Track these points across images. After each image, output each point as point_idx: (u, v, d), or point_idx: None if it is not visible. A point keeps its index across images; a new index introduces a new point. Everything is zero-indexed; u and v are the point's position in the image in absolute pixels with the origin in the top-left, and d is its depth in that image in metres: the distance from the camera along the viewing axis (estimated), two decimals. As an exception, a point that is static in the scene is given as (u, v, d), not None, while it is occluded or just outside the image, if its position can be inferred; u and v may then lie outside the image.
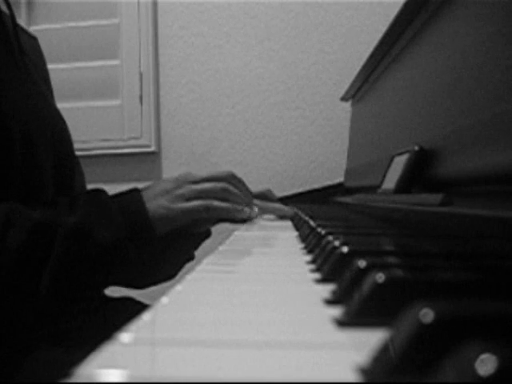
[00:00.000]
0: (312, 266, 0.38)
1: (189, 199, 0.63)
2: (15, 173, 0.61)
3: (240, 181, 0.70)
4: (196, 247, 0.74)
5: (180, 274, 0.74)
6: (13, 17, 0.71)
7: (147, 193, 0.62)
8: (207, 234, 0.73)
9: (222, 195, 0.65)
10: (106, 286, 0.64)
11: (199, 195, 0.64)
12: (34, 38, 0.84)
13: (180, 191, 0.63)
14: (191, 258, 0.74)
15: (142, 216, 0.59)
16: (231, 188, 0.66)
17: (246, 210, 0.68)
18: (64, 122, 0.78)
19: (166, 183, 0.64)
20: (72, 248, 0.54)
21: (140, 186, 0.65)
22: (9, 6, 0.71)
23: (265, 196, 0.82)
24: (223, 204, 0.64)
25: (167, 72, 1.67)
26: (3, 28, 0.68)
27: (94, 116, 1.68)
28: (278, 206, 0.82)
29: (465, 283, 0.22)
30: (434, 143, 0.56)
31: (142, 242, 0.59)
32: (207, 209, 0.63)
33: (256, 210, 0.74)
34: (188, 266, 0.74)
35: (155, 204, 0.61)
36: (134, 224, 0.58)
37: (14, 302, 0.53)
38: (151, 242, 0.60)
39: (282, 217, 0.79)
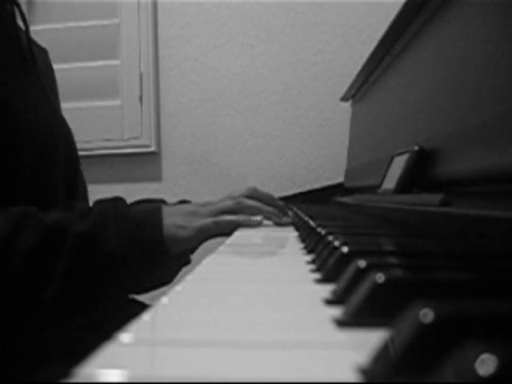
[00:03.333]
0: (312, 266, 0.38)
1: (203, 218, 0.65)
2: (25, 179, 0.62)
3: (261, 193, 0.72)
4: (192, 251, 0.74)
5: (180, 273, 0.74)
6: (28, 31, 0.73)
7: (168, 210, 0.64)
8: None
9: (235, 211, 0.67)
10: (112, 296, 0.63)
11: (213, 214, 0.66)
12: (44, 51, 0.86)
13: (197, 213, 0.65)
14: (187, 262, 0.75)
15: (156, 232, 0.60)
16: (245, 201, 0.69)
17: (258, 219, 0.70)
18: (71, 133, 0.80)
19: (189, 206, 0.67)
20: (79, 256, 0.55)
21: (140, 186, 0.66)
22: (24, 20, 0.73)
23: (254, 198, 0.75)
24: (233, 217, 0.66)
25: (167, 72, 1.67)
26: (18, 42, 0.71)
27: (94, 116, 1.68)
28: (272, 210, 0.74)
29: (465, 283, 0.22)
30: (434, 143, 0.56)
31: (153, 258, 0.59)
32: (216, 223, 0.65)
33: (289, 218, 0.77)
34: (188, 265, 0.74)
35: (171, 222, 0.62)
36: (147, 239, 0.59)
37: (18, 304, 0.53)
38: (163, 259, 0.61)
39: (278, 224, 0.74)
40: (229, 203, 0.67)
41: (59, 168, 0.69)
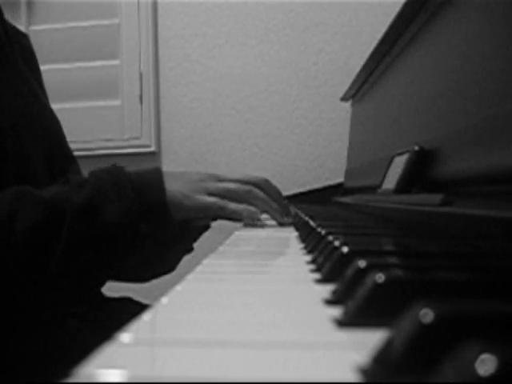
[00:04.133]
0: (312, 266, 0.38)
1: (209, 194, 0.62)
2: (5, 169, 0.61)
3: (271, 187, 0.70)
4: (195, 239, 0.73)
5: (180, 273, 0.74)
6: (0, 13, 0.70)
7: (170, 176, 0.61)
8: (206, 227, 0.73)
9: (243, 197, 0.65)
10: (115, 269, 0.62)
11: (220, 193, 0.63)
12: (24, 36, 0.83)
13: (203, 184, 0.63)
14: (190, 249, 0.74)
15: (158, 195, 0.58)
16: (256, 191, 0.66)
17: (262, 221, 0.67)
18: (57, 121, 0.77)
19: (193, 174, 0.64)
20: (81, 224, 0.53)
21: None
22: None
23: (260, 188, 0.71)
24: (239, 208, 0.64)
25: (167, 72, 1.67)
26: None
27: (94, 116, 1.68)
28: (278, 208, 0.72)
29: (465, 283, 0.22)
30: (434, 143, 0.56)
31: (155, 222, 0.58)
32: (222, 208, 0.62)
33: (289, 219, 0.75)
34: (188, 265, 0.74)
35: (175, 188, 0.60)
36: (148, 202, 0.57)
37: (24, 282, 0.53)
38: (165, 222, 0.59)
39: (279, 223, 0.73)
40: (239, 188, 0.64)
41: (39, 158, 0.67)
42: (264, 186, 0.68)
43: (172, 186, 0.60)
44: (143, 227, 0.57)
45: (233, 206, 0.63)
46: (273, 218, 0.72)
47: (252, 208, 0.66)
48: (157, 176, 0.60)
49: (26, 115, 0.67)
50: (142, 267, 0.68)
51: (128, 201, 0.56)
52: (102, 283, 0.66)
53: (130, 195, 0.56)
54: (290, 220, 0.75)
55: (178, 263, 0.74)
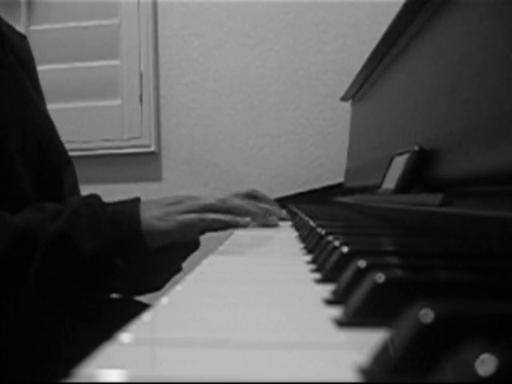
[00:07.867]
0: (312, 266, 0.38)
1: (186, 213, 0.62)
2: None
3: (255, 193, 0.70)
4: (184, 259, 0.72)
5: (180, 273, 0.73)
6: None
7: (145, 204, 0.61)
8: (195, 246, 0.72)
9: (221, 209, 0.64)
10: (93, 295, 0.62)
11: (197, 209, 0.63)
12: (23, 36, 0.81)
13: (179, 205, 0.63)
14: (178, 269, 0.73)
15: (133, 226, 0.58)
16: (231, 199, 0.66)
17: (246, 220, 0.67)
18: (51, 123, 0.76)
19: (167, 198, 0.64)
20: (52, 254, 0.53)
21: (140, 186, 0.65)
22: None
23: (252, 197, 0.75)
24: (218, 216, 0.63)
25: (167, 72, 1.67)
26: None
27: (94, 116, 1.67)
28: (257, 211, 0.71)
29: (465, 283, 0.22)
30: (434, 143, 0.56)
31: (131, 253, 0.58)
32: (202, 220, 0.62)
33: (275, 219, 0.75)
34: (188, 265, 0.74)
35: (150, 214, 0.60)
36: (123, 234, 0.57)
37: None
38: (142, 253, 0.59)
39: (265, 224, 0.73)
40: (214, 201, 0.64)
41: (26, 163, 0.66)
42: (243, 195, 0.69)
43: (147, 214, 0.60)
44: (118, 259, 0.56)
45: (211, 216, 0.62)
46: (254, 220, 0.70)
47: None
48: (132, 206, 0.60)
49: (17, 121, 0.66)
50: (125, 287, 0.67)
51: (103, 232, 0.56)
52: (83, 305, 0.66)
53: (106, 227, 0.56)
54: (275, 221, 0.74)
55: (166, 283, 0.72)
